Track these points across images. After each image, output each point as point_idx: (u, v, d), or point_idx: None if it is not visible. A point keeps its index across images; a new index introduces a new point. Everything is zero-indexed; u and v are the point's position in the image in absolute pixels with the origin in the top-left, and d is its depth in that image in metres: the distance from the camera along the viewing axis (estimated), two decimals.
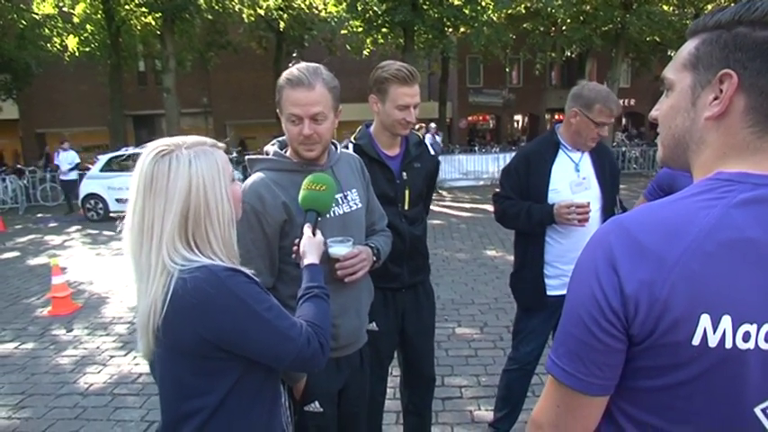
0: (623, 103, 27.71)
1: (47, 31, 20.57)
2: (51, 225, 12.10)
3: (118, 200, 12.20)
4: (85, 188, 12.62)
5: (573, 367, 0.83)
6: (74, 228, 11.84)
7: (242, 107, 28.10)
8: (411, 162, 2.38)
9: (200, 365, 1.16)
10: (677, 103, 0.86)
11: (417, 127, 12.55)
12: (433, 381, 2.66)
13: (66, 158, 13.29)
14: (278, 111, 1.71)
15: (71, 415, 3.57)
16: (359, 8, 18.14)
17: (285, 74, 1.67)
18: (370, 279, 1.97)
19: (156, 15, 19.06)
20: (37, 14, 20.10)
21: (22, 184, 15.18)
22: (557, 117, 28.84)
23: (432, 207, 2.79)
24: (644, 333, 0.78)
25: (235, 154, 18.60)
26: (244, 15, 22.37)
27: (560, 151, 2.54)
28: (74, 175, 13.32)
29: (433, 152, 2.53)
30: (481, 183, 16.57)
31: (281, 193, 1.69)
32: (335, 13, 19.12)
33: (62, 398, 3.82)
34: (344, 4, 18.55)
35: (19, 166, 19.36)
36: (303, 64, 1.69)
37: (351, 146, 2.30)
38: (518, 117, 33.10)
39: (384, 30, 19.82)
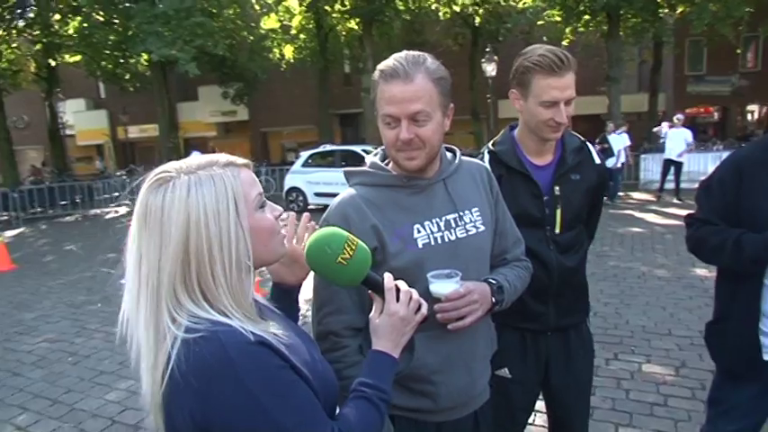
0: None
1: (269, 43, 23.64)
2: None
3: (316, 194, 13.28)
4: (288, 182, 14.03)
5: None
6: None
7: None
8: (567, 173, 1.87)
9: None
10: None
11: (616, 124, 11.00)
12: None
13: None
14: (375, 112, 1.40)
15: None
16: None
17: (380, 65, 1.35)
18: (491, 324, 1.56)
19: (357, 20, 20.48)
20: (263, 30, 23.11)
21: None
22: None
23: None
24: None
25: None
26: (440, 14, 22.73)
27: None
28: None
29: (598, 160, 1.98)
30: (696, 186, 14.22)
31: (371, 213, 1.37)
32: (532, 4, 18.17)
33: None
34: None
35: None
36: (404, 52, 1.35)
37: (486, 154, 1.90)
38: (753, 107, 27.52)
39: (586, 17, 18.23)
